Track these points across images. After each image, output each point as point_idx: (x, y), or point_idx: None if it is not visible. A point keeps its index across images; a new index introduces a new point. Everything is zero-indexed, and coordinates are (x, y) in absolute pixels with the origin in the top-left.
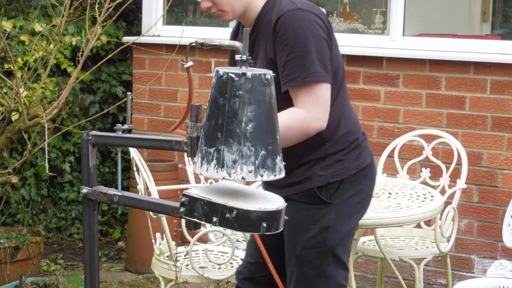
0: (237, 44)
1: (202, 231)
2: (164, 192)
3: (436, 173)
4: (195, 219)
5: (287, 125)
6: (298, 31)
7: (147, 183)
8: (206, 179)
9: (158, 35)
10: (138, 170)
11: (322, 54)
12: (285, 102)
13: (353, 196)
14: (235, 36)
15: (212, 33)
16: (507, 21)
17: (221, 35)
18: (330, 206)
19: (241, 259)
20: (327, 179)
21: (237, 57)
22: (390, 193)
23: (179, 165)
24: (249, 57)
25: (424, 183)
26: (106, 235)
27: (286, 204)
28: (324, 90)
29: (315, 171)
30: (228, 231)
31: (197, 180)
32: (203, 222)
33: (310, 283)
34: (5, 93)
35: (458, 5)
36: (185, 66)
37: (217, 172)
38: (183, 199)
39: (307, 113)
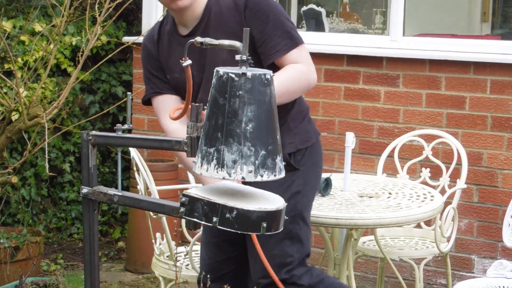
0: (237, 44)
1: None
2: (164, 192)
3: (436, 173)
4: (195, 219)
5: (293, 77)
6: (270, 5)
7: (147, 183)
8: None
9: None
10: (138, 170)
11: (291, 21)
12: None
13: (313, 164)
14: (157, 43)
15: None
16: (507, 21)
17: None
18: (299, 172)
19: None
20: (296, 146)
21: (237, 57)
22: (390, 193)
23: (179, 165)
24: (249, 57)
25: (424, 183)
26: (106, 235)
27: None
28: (307, 51)
29: (286, 140)
30: None
31: (197, 180)
32: (203, 222)
33: (284, 247)
34: (5, 93)
35: (458, 5)
36: (184, 64)
37: (217, 172)
38: (183, 199)
39: (307, 66)
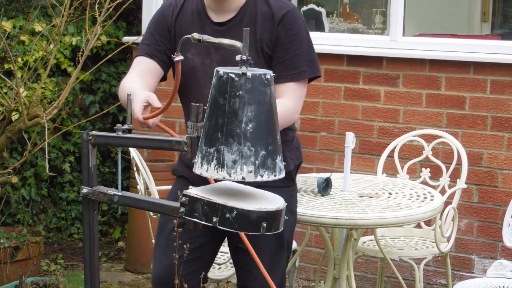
0: (237, 44)
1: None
2: (164, 192)
3: (436, 173)
4: (195, 219)
5: (279, 113)
6: (304, 29)
7: (147, 183)
8: None
9: None
10: (138, 170)
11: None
12: None
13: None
14: (174, 13)
15: None
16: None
17: None
18: (294, 186)
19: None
20: (294, 162)
21: (237, 57)
22: (390, 193)
23: None
24: (249, 58)
25: (424, 183)
26: (106, 235)
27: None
28: (306, 88)
29: (286, 155)
30: None
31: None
32: (203, 222)
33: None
34: (5, 93)
35: (458, 5)
36: (175, 59)
37: (217, 172)
38: (183, 199)
39: (294, 104)
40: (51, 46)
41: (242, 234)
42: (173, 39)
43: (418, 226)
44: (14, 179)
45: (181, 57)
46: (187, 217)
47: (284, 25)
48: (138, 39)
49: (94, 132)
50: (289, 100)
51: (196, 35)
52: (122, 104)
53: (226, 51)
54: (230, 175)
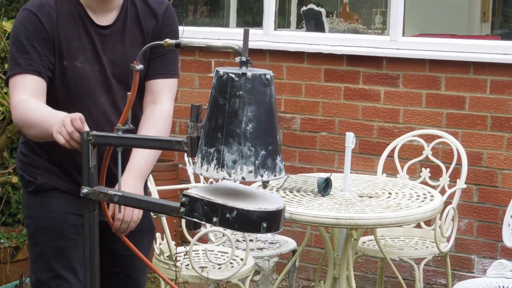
0: (235, 46)
1: (202, 231)
2: (164, 192)
3: (436, 173)
4: (195, 219)
5: (170, 120)
6: (178, 25)
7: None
8: (206, 179)
9: None
10: None
11: None
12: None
13: None
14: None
15: (212, 33)
16: (507, 21)
17: (221, 35)
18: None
19: (241, 259)
20: None
21: (237, 58)
22: (390, 193)
23: (179, 165)
24: (249, 58)
25: (424, 183)
26: None
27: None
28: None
29: None
30: (228, 231)
31: (197, 180)
32: (203, 222)
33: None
34: (5, 93)
35: (458, 5)
36: (137, 68)
37: (217, 172)
38: (183, 199)
39: (171, 107)
40: None
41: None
42: (56, 49)
43: (418, 226)
44: (14, 179)
45: (141, 66)
46: (187, 217)
47: (165, 19)
48: None
49: (94, 132)
50: (166, 105)
51: (169, 41)
52: (32, 134)
53: (115, 54)
54: (230, 175)
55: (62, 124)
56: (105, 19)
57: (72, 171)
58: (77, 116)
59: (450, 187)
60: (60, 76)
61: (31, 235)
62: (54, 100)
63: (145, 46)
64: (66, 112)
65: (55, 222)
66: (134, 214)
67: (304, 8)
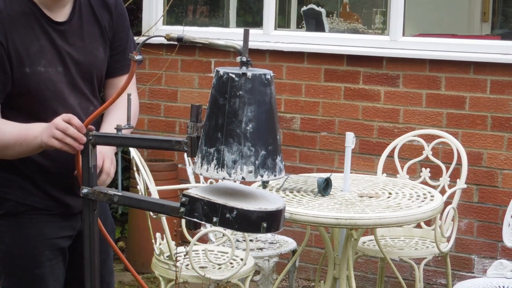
0: (236, 46)
1: (202, 231)
2: (164, 192)
3: (436, 173)
4: (195, 219)
5: (137, 103)
6: (127, 18)
7: (147, 183)
8: (206, 179)
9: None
10: (138, 170)
11: None
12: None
13: None
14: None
15: (212, 33)
16: (507, 21)
17: (221, 35)
18: None
19: (241, 259)
20: None
21: (238, 58)
22: (390, 193)
23: (179, 165)
24: (249, 59)
25: (424, 183)
26: None
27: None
28: None
29: None
30: (228, 231)
31: (197, 180)
32: (203, 222)
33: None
34: None
35: (458, 5)
36: (135, 58)
37: (217, 172)
38: (183, 199)
39: (136, 95)
40: None
41: (100, 225)
42: (13, 58)
43: (418, 226)
44: None
45: (140, 57)
46: (187, 217)
47: (118, 12)
48: (139, 39)
49: (94, 132)
50: (134, 94)
51: (173, 34)
52: (10, 154)
53: (77, 51)
54: (230, 175)
55: (54, 127)
56: (60, 15)
57: (48, 188)
58: (69, 116)
59: (450, 187)
60: (23, 85)
61: (3, 261)
62: (18, 108)
63: (145, 38)
64: (33, 119)
65: (30, 249)
66: (107, 166)
67: (304, 8)
